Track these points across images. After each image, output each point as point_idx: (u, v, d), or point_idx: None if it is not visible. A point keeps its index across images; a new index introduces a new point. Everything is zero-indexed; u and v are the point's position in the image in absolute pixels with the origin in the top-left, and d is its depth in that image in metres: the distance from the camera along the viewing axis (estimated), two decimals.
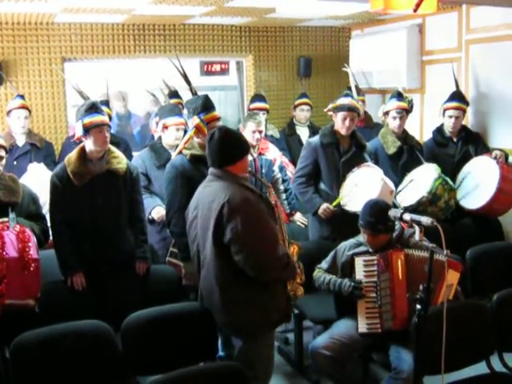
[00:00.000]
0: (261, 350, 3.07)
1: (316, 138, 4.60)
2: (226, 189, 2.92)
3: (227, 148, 3.02)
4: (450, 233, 4.42)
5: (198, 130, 3.73)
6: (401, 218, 2.76)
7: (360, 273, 3.40)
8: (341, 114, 4.46)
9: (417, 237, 2.56)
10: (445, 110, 5.04)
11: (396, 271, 3.31)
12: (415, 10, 3.04)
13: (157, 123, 4.80)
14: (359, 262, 3.41)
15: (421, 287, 2.45)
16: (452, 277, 3.06)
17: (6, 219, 3.35)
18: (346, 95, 4.60)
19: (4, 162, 3.57)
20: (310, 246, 4.48)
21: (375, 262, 3.37)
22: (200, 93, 4.05)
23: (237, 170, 3.02)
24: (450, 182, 4.55)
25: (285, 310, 3.08)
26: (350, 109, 4.46)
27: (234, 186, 2.94)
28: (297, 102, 6.36)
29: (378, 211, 3.31)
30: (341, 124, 4.46)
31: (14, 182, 3.59)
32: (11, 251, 3.22)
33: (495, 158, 4.67)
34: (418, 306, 2.48)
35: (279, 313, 3.03)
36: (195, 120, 3.74)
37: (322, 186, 4.54)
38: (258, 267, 2.88)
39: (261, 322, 3.00)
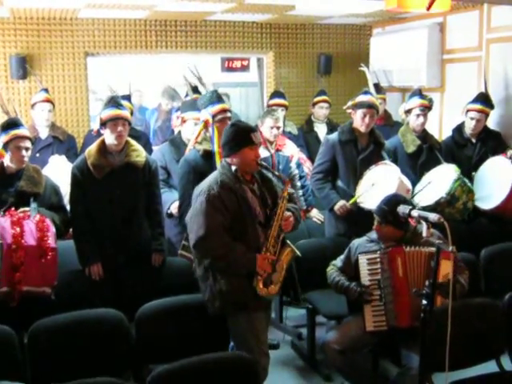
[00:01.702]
0: (235, 331, 3.25)
1: (334, 135, 4.62)
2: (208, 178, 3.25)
3: (224, 142, 3.25)
4: (465, 233, 4.52)
5: (206, 124, 3.82)
6: (409, 214, 2.78)
7: (364, 271, 3.41)
8: (360, 112, 4.48)
9: (424, 233, 2.58)
10: (467, 111, 5.01)
11: (396, 269, 3.33)
12: (428, 9, 3.06)
13: (178, 118, 4.89)
14: (363, 261, 3.43)
15: (427, 282, 2.48)
16: (445, 266, 3.02)
17: (27, 209, 3.47)
18: (366, 92, 4.62)
19: (30, 153, 3.68)
20: (325, 242, 4.53)
21: (378, 260, 3.39)
22: (221, 89, 4.14)
23: (232, 163, 3.20)
24: (469, 184, 4.53)
25: (242, 299, 3.14)
26: (370, 106, 4.47)
27: (215, 176, 3.21)
28: (316, 100, 6.33)
29: (394, 203, 3.28)
30: (360, 121, 4.48)
31: (37, 174, 3.70)
32: (30, 239, 3.33)
33: (510, 157, 4.64)
34: (424, 302, 2.51)
35: (236, 299, 3.14)
36: (203, 114, 3.84)
37: (340, 182, 4.56)
38: (192, 249, 3.19)
39: (220, 303, 3.17)
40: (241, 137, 3.18)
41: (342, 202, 4.42)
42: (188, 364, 2.63)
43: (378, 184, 4.28)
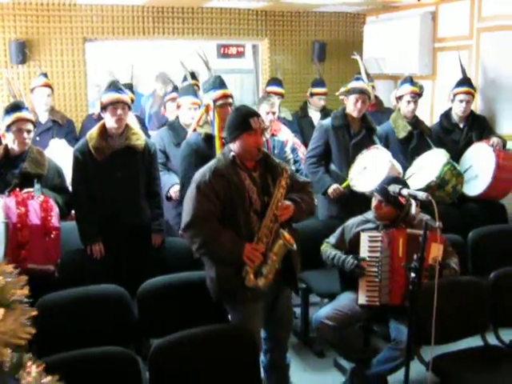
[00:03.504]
0: (233, 319, 3.27)
1: (327, 121, 4.76)
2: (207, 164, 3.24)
3: (226, 127, 3.26)
4: (454, 216, 4.67)
5: (207, 108, 3.93)
6: (399, 193, 2.92)
7: (364, 248, 3.55)
8: (352, 97, 4.61)
9: (413, 210, 2.72)
10: (455, 95, 5.15)
11: (396, 249, 3.46)
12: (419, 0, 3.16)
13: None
14: (364, 238, 3.57)
15: (415, 256, 2.62)
16: (435, 249, 3.17)
17: (31, 189, 3.58)
18: (357, 79, 4.77)
19: (32, 135, 3.78)
20: (317, 224, 4.66)
21: (379, 238, 3.52)
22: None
23: (233, 149, 3.17)
24: (458, 168, 4.68)
25: (230, 288, 3.13)
26: (362, 91, 4.60)
27: (211, 162, 3.20)
28: (314, 91, 6.32)
29: (395, 182, 3.36)
30: (352, 106, 4.61)
31: (40, 155, 3.81)
32: (34, 219, 3.44)
33: (492, 145, 4.79)
34: (413, 275, 2.65)
35: (224, 288, 3.15)
36: (205, 99, 3.95)
37: (333, 166, 4.69)
38: (182, 233, 3.19)
39: (213, 291, 3.22)
40: (239, 122, 3.14)
41: (335, 186, 4.54)
42: (188, 335, 2.77)
43: (369, 168, 4.42)
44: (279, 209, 3.11)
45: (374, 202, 3.60)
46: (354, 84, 4.69)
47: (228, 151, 3.19)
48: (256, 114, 3.20)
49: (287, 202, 3.16)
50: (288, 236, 3.09)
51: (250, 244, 3.07)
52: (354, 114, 4.62)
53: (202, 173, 3.15)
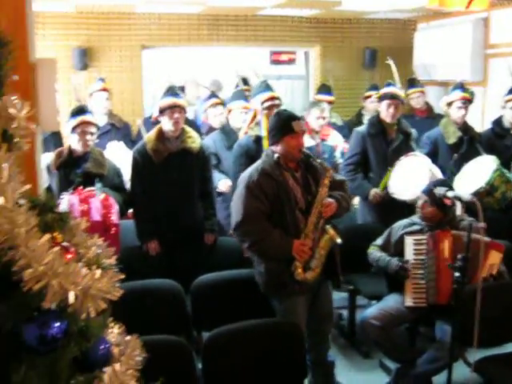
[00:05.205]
0: (277, 313, 3.37)
1: (363, 128, 4.82)
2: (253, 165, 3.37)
3: (269, 130, 3.36)
4: (504, 222, 4.65)
5: (256, 112, 4.11)
6: (444, 195, 2.99)
7: (410, 251, 3.61)
8: (385, 103, 4.68)
9: (458, 212, 2.79)
10: (506, 102, 5.13)
11: (442, 250, 3.50)
12: (467, 7, 3.23)
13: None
14: (409, 241, 3.63)
15: (459, 256, 2.69)
16: (494, 256, 3.25)
17: (93, 188, 3.80)
18: (389, 84, 4.82)
19: (95, 137, 4.01)
20: (364, 228, 4.74)
21: (424, 241, 3.58)
22: (269, 81, 4.41)
23: (276, 151, 3.27)
24: (508, 174, 4.67)
25: (280, 282, 3.24)
26: (393, 97, 4.65)
27: (257, 164, 3.30)
28: (367, 94, 6.41)
29: (441, 185, 3.43)
30: (385, 112, 4.67)
31: (101, 156, 4.05)
32: (96, 215, 3.66)
33: None
34: (457, 274, 2.72)
35: (274, 282, 3.27)
36: (253, 103, 4.12)
37: (372, 174, 4.74)
38: (233, 232, 3.31)
39: (262, 285, 3.35)
40: (282, 125, 3.24)
41: (373, 191, 4.60)
42: (239, 328, 2.91)
43: (409, 175, 4.45)
44: (323, 206, 3.24)
45: (419, 203, 3.67)
46: (385, 90, 4.77)
47: (271, 153, 3.30)
48: (297, 118, 3.31)
49: (330, 200, 3.29)
50: (333, 231, 3.23)
51: (298, 240, 3.20)
52: (388, 120, 4.67)
53: (249, 174, 3.27)
